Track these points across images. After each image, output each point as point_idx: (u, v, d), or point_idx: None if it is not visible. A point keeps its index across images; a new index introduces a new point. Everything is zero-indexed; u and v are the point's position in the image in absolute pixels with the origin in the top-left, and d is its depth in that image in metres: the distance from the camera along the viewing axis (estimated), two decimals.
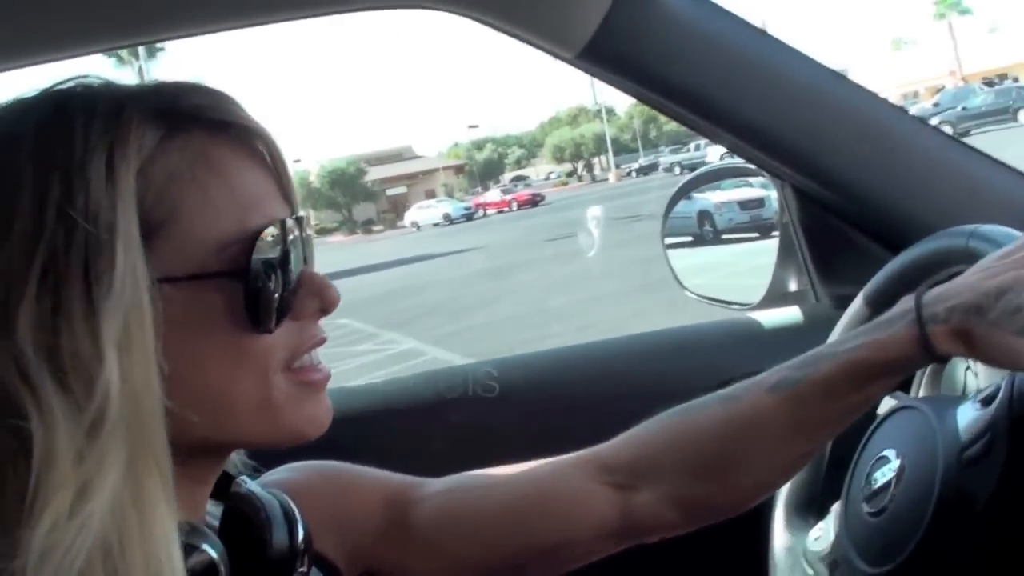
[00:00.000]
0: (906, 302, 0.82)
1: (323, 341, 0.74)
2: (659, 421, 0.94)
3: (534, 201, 45.90)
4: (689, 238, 1.58)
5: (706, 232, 1.60)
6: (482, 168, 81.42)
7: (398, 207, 62.32)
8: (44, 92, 0.67)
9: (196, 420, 0.64)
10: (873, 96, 1.19)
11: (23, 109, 0.66)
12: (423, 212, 49.22)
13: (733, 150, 1.27)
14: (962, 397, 0.88)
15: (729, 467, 0.90)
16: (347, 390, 1.47)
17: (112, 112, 0.64)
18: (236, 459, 0.83)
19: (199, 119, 0.68)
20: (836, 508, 0.98)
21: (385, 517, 0.94)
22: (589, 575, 1.00)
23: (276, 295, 0.68)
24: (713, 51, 1.17)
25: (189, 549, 0.65)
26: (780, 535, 1.08)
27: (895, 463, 0.88)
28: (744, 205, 1.52)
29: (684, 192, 1.49)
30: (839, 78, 1.19)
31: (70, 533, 0.55)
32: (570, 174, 70.95)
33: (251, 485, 0.79)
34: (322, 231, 63.54)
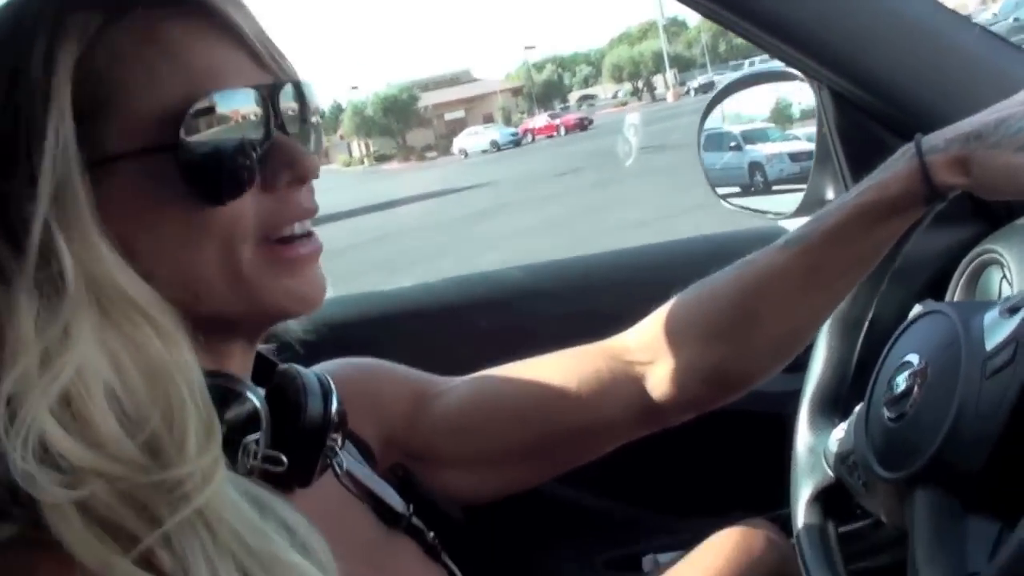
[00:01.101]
0: (906, 144, 0.83)
1: (307, 213, 0.72)
2: (679, 296, 0.97)
3: (582, 125, 45.67)
4: (737, 188, 1.57)
5: (757, 182, 1.60)
6: (541, 89, 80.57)
7: (456, 131, 62.19)
8: None
9: (179, 295, 0.66)
10: None
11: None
12: (471, 139, 49.13)
13: (771, 51, 1.23)
14: (990, 303, 0.86)
15: (746, 326, 0.91)
16: (377, 294, 1.48)
17: None
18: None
19: None
20: (858, 410, 0.97)
21: (414, 407, 0.98)
22: (618, 468, 1.01)
23: (229, 164, 0.66)
24: None
25: (232, 395, 0.68)
26: (803, 434, 1.08)
27: (918, 368, 0.87)
28: (795, 157, 1.51)
29: (720, 99, 1.46)
30: None
31: (40, 383, 0.57)
32: (633, 92, 69.84)
33: (292, 365, 0.81)
34: (380, 158, 63.80)
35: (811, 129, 1.33)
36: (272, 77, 0.71)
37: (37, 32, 0.64)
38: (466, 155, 46.91)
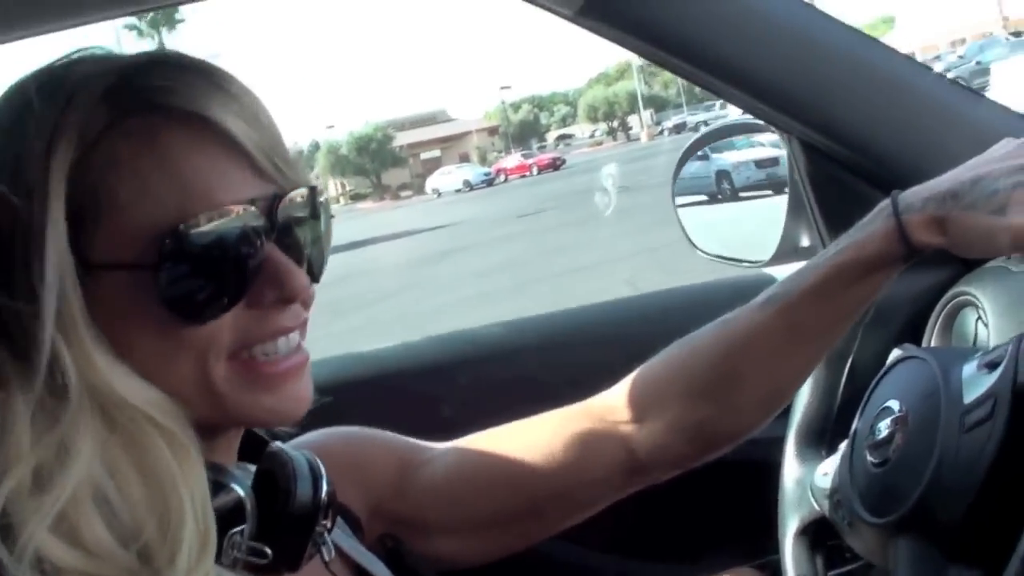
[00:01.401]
0: (883, 201, 0.84)
1: (284, 330, 0.72)
2: (660, 355, 0.97)
3: (555, 165, 46.27)
4: (704, 197, 1.59)
5: (724, 190, 1.62)
6: (517, 129, 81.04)
7: (432, 171, 62.42)
8: (41, 67, 0.69)
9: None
10: (880, 45, 1.16)
11: (15, 84, 0.68)
12: (444, 179, 49.69)
13: (739, 105, 1.25)
14: (970, 350, 0.88)
15: (729, 385, 0.92)
16: (357, 355, 1.48)
17: (65, 96, 0.65)
18: None
19: (153, 103, 0.67)
20: (843, 450, 0.98)
21: (400, 475, 0.98)
22: (606, 520, 1.01)
23: (212, 284, 0.66)
24: (715, 4, 1.15)
25: (217, 487, 0.68)
26: (790, 466, 1.09)
27: (899, 415, 0.88)
28: (760, 164, 1.55)
29: (692, 151, 1.48)
30: (844, 28, 1.17)
31: (36, 503, 0.57)
32: (608, 132, 70.45)
33: (281, 446, 0.81)
34: (356, 196, 63.87)
35: (771, 136, 1.35)
36: (274, 187, 0.70)
37: (40, 129, 0.64)
38: (439, 195, 47.37)
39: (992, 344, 1.11)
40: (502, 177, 48.27)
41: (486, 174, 48.82)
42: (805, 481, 1.06)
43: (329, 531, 0.80)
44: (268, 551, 0.71)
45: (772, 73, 1.16)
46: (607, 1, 1.15)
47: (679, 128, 47.07)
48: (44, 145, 0.63)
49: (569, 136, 79.16)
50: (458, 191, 46.04)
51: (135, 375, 0.64)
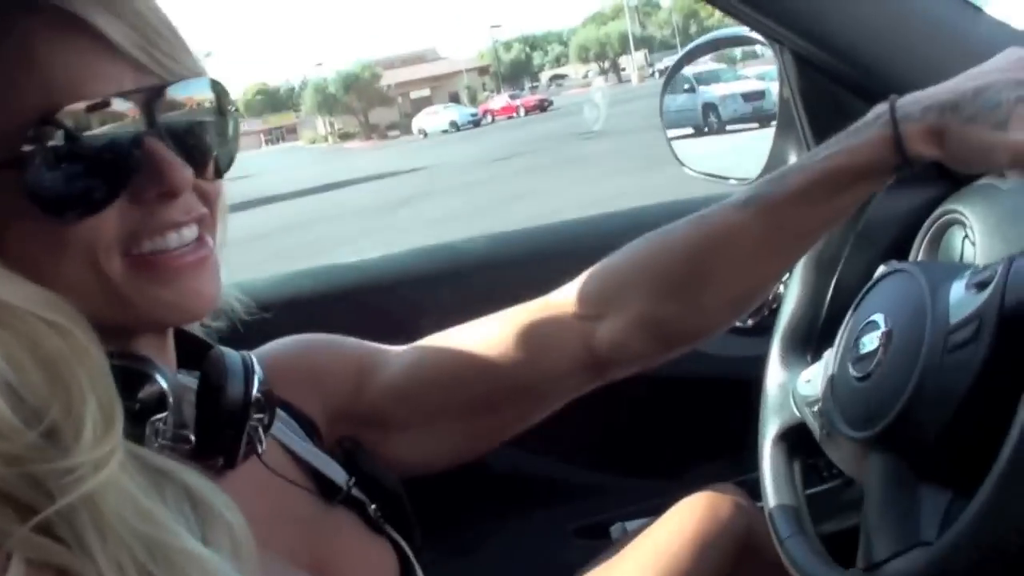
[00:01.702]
0: (880, 107, 0.80)
1: (173, 224, 0.69)
2: (627, 248, 0.94)
3: (542, 106, 46.15)
4: (690, 130, 1.57)
5: (711, 123, 1.60)
6: (509, 69, 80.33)
7: (422, 110, 62.03)
8: None
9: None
10: None
11: None
12: (431, 119, 49.42)
13: (731, 14, 1.22)
14: (958, 267, 0.86)
15: (698, 284, 0.89)
16: (337, 267, 1.47)
17: None
18: None
19: (19, 2, 0.65)
20: (827, 356, 0.97)
21: (359, 378, 0.96)
22: (587, 435, 1.01)
23: (83, 180, 0.64)
24: None
25: (141, 376, 0.69)
26: (774, 369, 1.09)
27: (882, 330, 0.86)
28: (747, 97, 1.52)
29: (681, 65, 1.46)
30: None
31: None
32: (601, 73, 69.93)
33: (223, 350, 0.80)
34: (344, 135, 63.47)
35: (758, 68, 1.33)
36: (155, 79, 0.68)
37: None
38: (425, 135, 47.17)
39: (980, 262, 1.10)
40: (489, 118, 48.13)
41: (472, 115, 48.50)
42: (788, 386, 1.05)
43: (267, 428, 0.79)
44: (192, 437, 0.72)
45: None
46: None
47: (663, 72, 46.88)
48: None
49: (563, 76, 78.50)
50: (445, 132, 45.76)
51: (16, 276, 0.63)
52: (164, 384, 0.70)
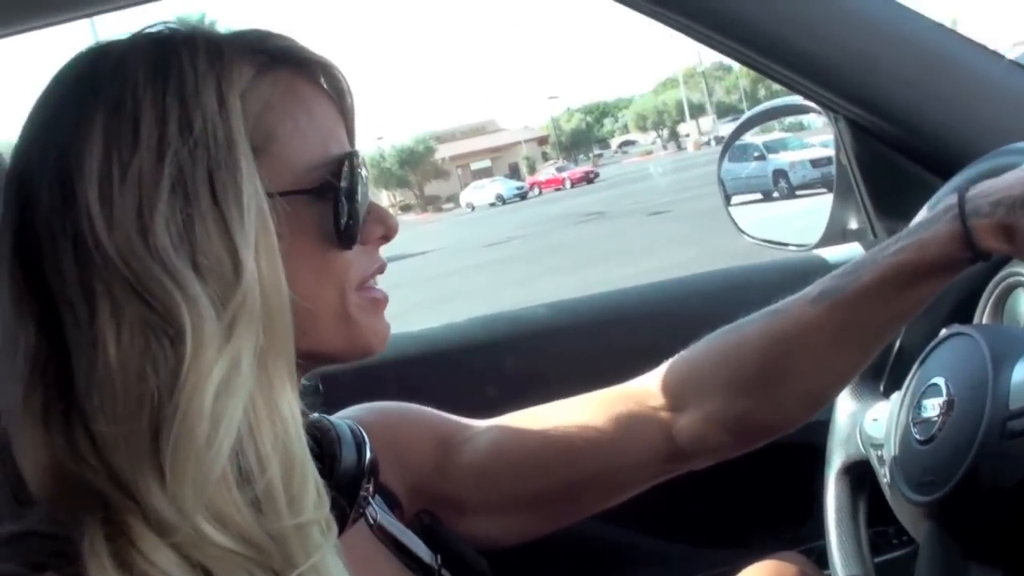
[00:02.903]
0: (949, 199, 0.80)
1: (384, 267, 0.79)
2: (704, 342, 0.95)
3: (588, 178, 46.73)
4: (759, 195, 1.59)
5: (781, 188, 1.63)
6: (570, 138, 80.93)
7: (496, 177, 62.66)
8: (139, 34, 0.71)
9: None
10: (928, 21, 1.15)
11: (127, 47, 0.69)
12: (478, 193, 50.40)
13: (786, 84, 1.25)
14: (1021, 333, 0.85)
15: (773, 380, 0.90)
16: (406, 335, 1.49)
17: (213, 49, 0.69)
18: None
19: (286, 58, 0.74)
20: (895, 401, 0.97)
21: (439, 453, 0.98)
22: (650, 502, 1.01)
23: (357, 216, 0.73)
24: None
25: None
26: (844, 400, 1.09)
27: (943, 398, 0.86)
28: (815, 163, 1.54)
29: (738, 134, 1.48)
30: (892, 4, 1.16)
31: (214, 418, 0.59)
32: (660, 141, 70.16)
33: (322, 415, 0.84)
34: (405, 207, 64.41)
35: (823, 136, 1.35)
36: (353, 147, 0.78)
37: (203, 74, 0.67)
38: (473, 208, 48.05)
39: None
40: (536, 190, 48.95)
41: (519, 188, 49.54)
42: (857, 417, 1.05)
43: (372, 496, 0.82)
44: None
45: (818, 50, 1.16)
46: None
47: (721, 139, 46.89)
48: (215, 87, 0.67)
49: (632, 142, 78.75)
50: (492, 204, 46.75)
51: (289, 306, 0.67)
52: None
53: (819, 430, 1.15)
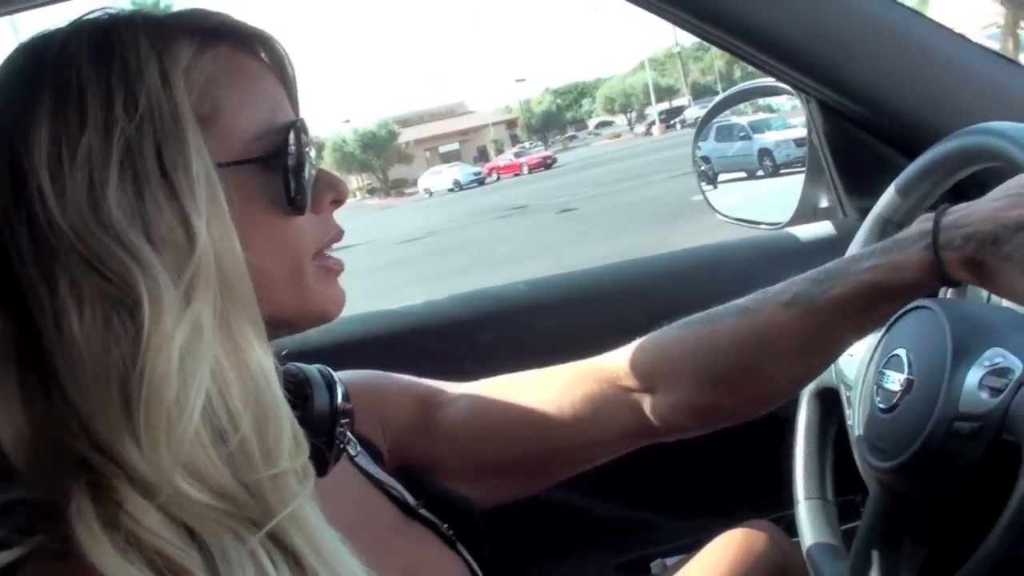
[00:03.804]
0: (924, 222, 0.82)
1: (342, 233, 0.81)
2: (677, 328, 0.98)
3: (546, 164, 46.44)
4: (743, 174, 1.63)
5: (766, 166, 1.68)
6: (540, 120, 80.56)
7: (452, 163, 62.36)
8: (79, 20, 0.73)
9: None
10: (895, 4, 1.18)
11: (69, 34, 0.71)
12: (435, 178, 50.22)
13: (758, 66, 1.27)
14: (984, 318, 0.87)
15: (743, 378, 0.94)
16: (383, 313, 1.51)
17: (153, 29, 0.71)
18: None
19: (224, 34, 0.76)
20: (866, 351, 1.00)
21: (417, 415, 1.02)
22: (623, 473, 1.04)
23: (303, 181, 0.75)
24: None
25: None
26: None
27: (904, 375, 0.89)
28: (799, 143, 1.58)
29: (714, 114, 1.51)
30: None
31: (180, 381, 0.60)
32: (629, 124, 69.98)
33: (297, 364, 0.85)
34: (372, 191, 63.91)
35: (801, 118, 1.38)
36: (297, 115, 0.80)
37: (145, 53, 0.69)
38: (431, 194, 47.95)
39: (1006, 299, 1.12)
40: (494, 176, 48.83)
41: (476, 173, 49.47)
42: None
43: (347, 437, 0.85)
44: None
45: (790, 32, 1.18)
46: None
47: (688, 123, 46.78)
48: (157, 64, 0.68)
49: (609, 123, 78.38)
50: (450, 190, 46.75)
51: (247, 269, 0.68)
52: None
53: (790, 403, 1.19)
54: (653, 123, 58.31)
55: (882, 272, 0.83)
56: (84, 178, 0.63)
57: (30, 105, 0.66)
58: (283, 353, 0.87)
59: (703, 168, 1.62)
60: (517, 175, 46.62)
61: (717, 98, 1.52)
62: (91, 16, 0.73)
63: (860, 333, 0.91)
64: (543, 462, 1.03)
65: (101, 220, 0.62)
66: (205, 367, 0.61)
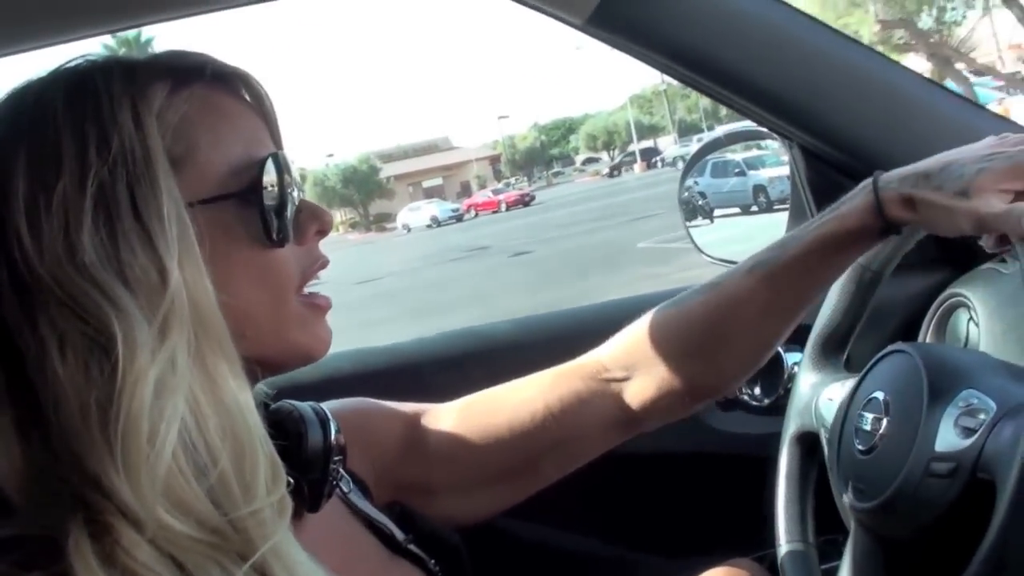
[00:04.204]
0: (866, 180, 0.91)
1: (327, 262, 0.82)
2: (646, 317, 1.04)
3: (524, 201, 46.57)
4: (737, 209, 1.66)
5: (760, 202, 1.74)
6: (524, 156, 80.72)
7: (435, 198, 62.35)
8: (59, 69, 0.75)
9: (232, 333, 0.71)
10: (875, 53, 1.22)
11: (47, 82, 0.74)
12: (413, 214, 50.22)
13: (742, 112, 1.31)
14: (960, 363, 0.89)
15: (715, 345, 1.00)
16: (372, 350, 1.52)
17: (127, 73, 0.73)
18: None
19: (200, 73, 0.78)
20: (845, 393, 1.01)
21: (405, 435, 1.04)
22: (606, 511, 1.04)
23: (284, 213, 0.76)
24: (721, 14, 1.21)
25: None
26: (806, 369, 1.14)
27: (881, 417, 0.90)
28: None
29: (699, 157, 1.54)
30: (842, 38, 1.23)
31: (157, 415, 0.61)
32: (611, 161, 70.06)
33: (290, 402, 0.87)
34: (354, 225, 63.80)
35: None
36: (277, 147, 0.81)
37: (118, 98, 0.70)
38: (409, 230, 48.13)
39: (983, 345, 1.15)
40: (473, 212, 49.00)
41: (454, 210, 49.69)
42: (816, 391, 1.10)
43: (340, 474, 0.86)
44: (290, 479, 0.75)
45: (774, 81, 1.22)
46: (614, 11, 1.20)
47: (676, 161, 47.04)
48: (130, 108, 0.70)
49: (596, 159, 78.65)
50: (428, 226, 46.93)
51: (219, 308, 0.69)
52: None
53: (771, 443, 1.20)
54: (627, 164, 58.70)
55: (829, 225, 0.92)
56: (60, 223, 0.65)
57: (8, 154, 0.68)
58: (275, 392, 0.89)
59: (700, 203, 1.66)
60: (496, 212, 46.74)
61: (703, 141, 1.55)
62: (70, 64, 0.76)
63: (817, 289, 0.98)
64: (534, 464, 1.05)
65: (76, 264, 0.64)
66: (180, 402, 0.63)
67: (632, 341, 1.04)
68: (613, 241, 17.51)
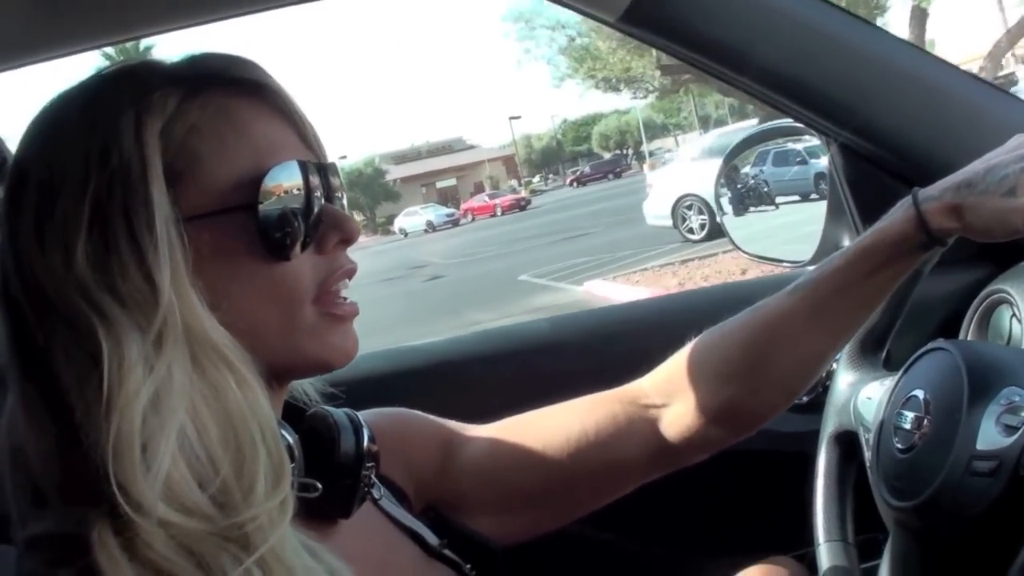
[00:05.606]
0: (904, 198, 0.90)
1: (353, 271, 0.79)
2: (694, 341, 1.02)
3: (519, 205, 46.12)
4: (797, 196, 1.75)
5: (822, 190, 1.77)
6: (540, 156, 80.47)
7: (447, 199, 62.35)
8: (84, 80, 0.76)
9: (244, 345, 0.71)
10: (915, 49, 1.21)
11: (68, 95, 0.75)
12: (410, 219, 50.00)
13: (781, 109, 1.30)
14: (999, 361, 0.89)
15: (755, 367, 0.97)
16: (407, 348, 1.53)
17: (139, 83, 0.73)
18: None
19: (216, 80, 0.76)
20: (884, 392, 1.01)
21: (442, 455, 1.02)
22: (647, 509, 1.03)
23: (293, 225, 0.74)
24: (756, 9, 1.20)
25: None
26: (844, 368, 1.13)
27: (922, 416, 0.90)
28: None
29: (731, 158, 1.53)
30: (883, 34, 1.22)
31: (150, 433, 0.62)
32: (626, 159, 69.70)
33: (325, 408, 0.87)
34: (363, 228, 63.92)
35: None
36: (315, 156, 0.80)
37: (123, 110, 0.71)
38: (406, 235, 47.96)
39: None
40: (469, 217, 48.76)
41: (449, 215, 49.40)
42: (854, 390, 1.09)
43: (372, 482, 0.86)
44: (318, 484, 0.76)
45: (813, 78, 1.21)
46: (649, 8, 1.20)
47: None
48: (133, 121, 0.70)
49: (623, 155, 78.07)
50: (424, 231, 46.81)
51: (215, 321, 0.69)
52: (289, 439, 0.75)
53: (810, 440, 1.20)
54: (646, 154, 58.38)
55: (870, 238, 0.91)
56: (60, 235, 0.67)
57: (28, 163, 0.71)
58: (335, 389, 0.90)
59: (765, 191, 1.67)
60: (492, 216, 46.55)
61: (738, 140, 1.53)
62: (91, 75, 0.76)
63: (861, 307, 0.95)
64: (569, 491, 1.03)
65: (71, 276, 0.66)
66: (180, 415, 0.63)
67: (673, 368, 1.02)
68: (509, 268, 16.69)
